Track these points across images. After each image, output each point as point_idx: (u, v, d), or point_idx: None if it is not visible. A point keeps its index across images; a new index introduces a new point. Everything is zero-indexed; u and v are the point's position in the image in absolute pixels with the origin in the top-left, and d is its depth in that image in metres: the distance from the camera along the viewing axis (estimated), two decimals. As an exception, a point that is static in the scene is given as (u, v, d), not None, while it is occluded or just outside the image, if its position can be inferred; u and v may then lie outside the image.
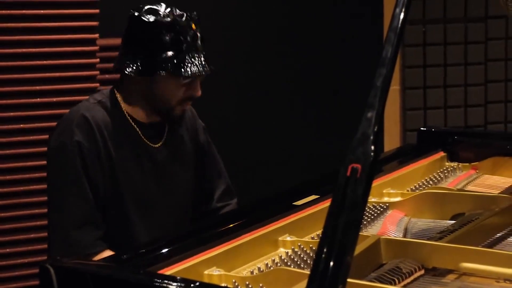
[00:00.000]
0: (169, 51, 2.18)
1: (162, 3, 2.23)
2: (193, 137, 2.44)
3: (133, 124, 2.28)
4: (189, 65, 2.18)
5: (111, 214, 2.23)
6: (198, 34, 2.23)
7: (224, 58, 3.80)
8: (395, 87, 4.22)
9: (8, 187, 3.27)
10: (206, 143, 2.49)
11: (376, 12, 4.11)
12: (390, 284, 1.59)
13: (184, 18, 2.21)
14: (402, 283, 1.63)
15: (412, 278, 1.67)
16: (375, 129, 1.36)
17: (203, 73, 2.21)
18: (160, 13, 2.20)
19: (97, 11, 3.36)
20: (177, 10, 2.22)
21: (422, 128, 2.88)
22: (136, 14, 2.21)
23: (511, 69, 4.33)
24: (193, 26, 2.21)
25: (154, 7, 2.21)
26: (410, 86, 4.26)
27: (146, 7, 2.21)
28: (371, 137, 1.35)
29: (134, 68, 2.20)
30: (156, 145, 2.31)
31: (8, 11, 3.21)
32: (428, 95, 4.27)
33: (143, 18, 2.19)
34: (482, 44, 4.29)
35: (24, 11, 3.24)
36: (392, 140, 4.22)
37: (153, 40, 2.19)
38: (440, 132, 2.86)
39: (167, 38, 2.18)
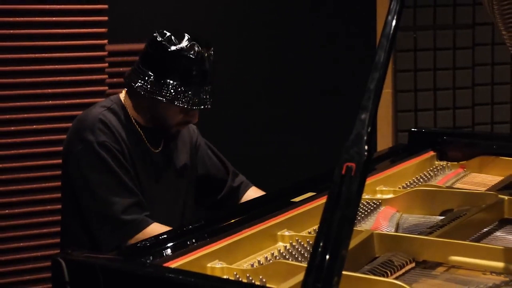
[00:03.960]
0: (176, 81, 2.21)
1: (185, 34, 2.24)
2: (192, 153, 2.47)
3: (138, 128, 2.31)
4: (191, 98, 2.21)
5: None
6: (208, 70, 2.25)
7: (219, 59, 3.79)
8: (387, 90, 4.21)
9: (22, 184, 3.28)
10: (206, 155, 2.51)
11: (369, 19, 4.11)
12: (383, 276, 1.59)
13: (200, 55, 2.22)
14: (394, 275, 1.63)
15: (403, 270, 1.67)
16: (369, 130, 1.35)
17: (202, 107, 2.25)
18: (181, 45, 2.21)
19: (105, 18, 3.36)
20: (197, 46, 2.23)
21: (413, 129, 2.88)
22: (158, 39, 2.23)
23: (497, 73, 4.33)
24: (207, 63, 2.24)
25: (176, 37, 2.22)
26: (402, 89, 4.25)
27: (168, 34, 2.22)
28: (365, 138, 1.34)
29: (144, 86, 2.23)
30: (156, 150, 2.35)
31: (24, 19, 3.23)
32: (419, 98, 4.27)
33: (164, 45, 2.21)
34: (469, 49, 4.28)
35: (38, 19, 3.26)
36: (384, 140, 4.21)
37: (166, 68, 2.22)
38: (430, 132, 2.86)
39: (180, 69, 2.21)
